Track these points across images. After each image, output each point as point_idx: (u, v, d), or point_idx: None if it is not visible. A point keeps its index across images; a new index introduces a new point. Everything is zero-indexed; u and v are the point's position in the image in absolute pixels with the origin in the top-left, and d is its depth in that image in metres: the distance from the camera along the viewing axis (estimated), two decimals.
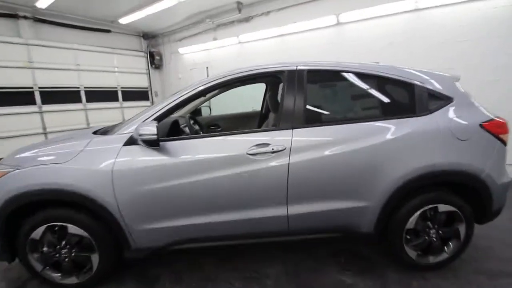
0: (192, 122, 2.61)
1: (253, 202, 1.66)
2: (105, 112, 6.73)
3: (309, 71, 1.75)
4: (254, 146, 1.62)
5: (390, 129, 1.67)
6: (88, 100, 6.44)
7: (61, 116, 6.06)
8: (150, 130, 1.48)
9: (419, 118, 1.71)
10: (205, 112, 3.29)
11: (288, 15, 5.13)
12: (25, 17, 5.57)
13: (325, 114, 1.82)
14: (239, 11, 5.47)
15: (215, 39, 6.26)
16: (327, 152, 1.62)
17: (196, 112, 3.17)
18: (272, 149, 1.60)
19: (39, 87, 5.65)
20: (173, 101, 1.71)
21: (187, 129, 2.33)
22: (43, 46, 5.70)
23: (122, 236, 1.65)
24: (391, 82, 1.78)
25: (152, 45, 7.74)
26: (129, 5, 5.49)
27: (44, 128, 5.83)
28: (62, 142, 1.76)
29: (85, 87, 6.36)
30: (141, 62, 7.60)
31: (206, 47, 6.49)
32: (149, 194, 1.59)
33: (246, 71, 1.77)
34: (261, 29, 5.46)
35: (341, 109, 1.88)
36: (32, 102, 5.59)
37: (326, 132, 1.66)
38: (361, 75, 1.79)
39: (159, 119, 1.67)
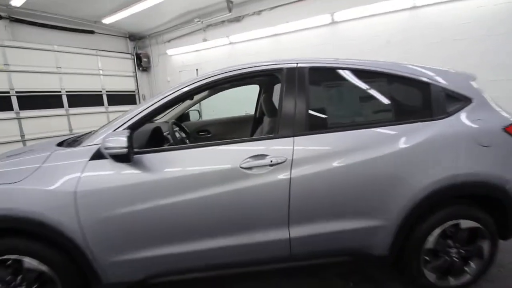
0: (176, 129, 2.30)
1: (248, 225, 1.40)
2: (89, 117, 6.37)
3: (312, 68, 1.50)
4: (249, 158, 1.36)
5: (406, 136, 1.44)
6: (70, 105, 6.08)
7: (41, 122, 5.68)
8: (119, 142, 1.20)
9: (436, 122, 1.49)
10: (194, 117, 3.02)
11: (281, 14, 4.93)
12: (0, 17, 5.21)
13: (331, 118, 1.57)
14: (230, 10, 5.24)
15: (204, 40, 6.01)
16: (335, 164, 1.37)
17: (184, 117, 2.90)
18: (271, 161, 1.35)
19: (16, 92, 5.27)
20: (152, 105, 1.43)
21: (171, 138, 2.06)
22: (20, 47, 5.33)
23: (89, 269, 1.36)
24: (405, 82, 1.55)
25: (139, 46, 7.44)
26: (112, 4, 5.19)
27: (22, 136, 5.46)
28: (17, 156, 1.47)
29: (67, 91, 5.98)
30: (128, 65, 7.26)
31: (196, 48, 6.23)
32: (122, 218, 1.31)
33: (238, 69, 1.51)
34: (253, 29, 5.25)
35: (349, 112, 1.64)
36: (9, 107, 5.20)
37: (333, 140, 1.42)
38: (371, 74, 1.55)
39: (134, 126, 1.39)
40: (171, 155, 1.38)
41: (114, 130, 1.35)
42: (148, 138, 1.57)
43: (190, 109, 2.87)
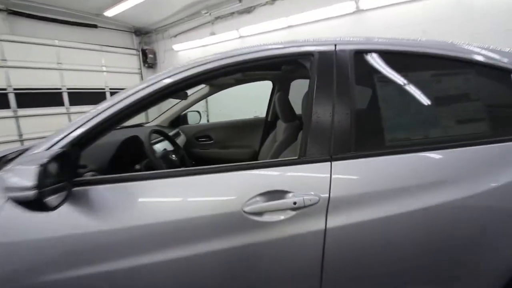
0: (158, 139, 1.68)
1: None
2: None
3: (359, 53, 0.96)
4: (258, 196, 0.85)
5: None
6: (71, 103, 5.81)
7: (41, 121, 5.43)
8: (24, 176, 0.69)
9: None
10: (193, 119, 2.53)
11: (296, 3, 4.41)
12: None
13: (391, 133, 0.98)
14: (240, 0, 4.77)
15: (212, 33, 5.56)
16: (399, 207, 0.84)
17: (181, 119, 2.42)
18: (294, 203, 0.83)
19: (14, 89, 5.01)
20: (114, 105, 0.93)
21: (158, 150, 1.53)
22: (18, 42, 5.06)
23: None
24: (502, 76, 0.99)
25: (145, 42, 7.09)
26: None
27: (20, 135, 5.22)
28: None
29: (68, 88, 5.73)
30: (133, 61, 6.95)
31: (203, 43, 5.79)
32: None
33: (245, 54, 0.98)
34: (265, 20, 4.73)
35: (420, 123, 1.04)
36: (6, 105, 4.94)
37: (396, 168, 0.88)
38: (454, 62, 0.98)
39: (85, 140, 0.90)
40: (136, 187, 0.88)
41: (48, 149, 0.87)
42: (113, 155, 1.09)
43: (188, 110, 2.39)
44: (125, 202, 0.85)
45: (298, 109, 1.90)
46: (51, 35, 5.47)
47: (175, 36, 6.38)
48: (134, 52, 6.93)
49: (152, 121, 2.31)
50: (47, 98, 5.47)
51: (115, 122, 0.93)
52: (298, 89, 2.08)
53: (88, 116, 0.92)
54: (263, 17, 4.78)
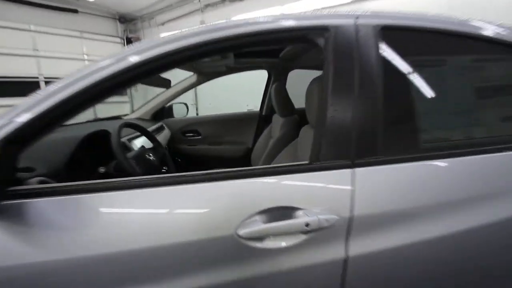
0: (131, 136, 1.42)
1: None
2: None
3: (388, 29, 0.74)
4: (257, 214, 0.64)
5: None
6: None
7: None
8: None
9: None
10: (180, 112, 2.29)
11: None
12: None
13: (430, 131, 0.77)
14: None
15: (202, 22, 5.31)
16: (443, 228, 0.65)
17: (165, 112, 2.18)
18: (306, 224, 0.63)
19: None
20: (66, 87, 0.67)
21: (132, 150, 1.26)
22: None
23: None
24: None
25: (130, 30, 6.73)
26: None
27: None
28: None
29: (45, 77, 5.40)
30: (117, 49, 6.57)
31: None
32: None
33: (240, 26, 0.74)
34: (258, 8, 4.50)
35: (465, 120, 0.82)
36: None
37: (437, 176, 0.69)
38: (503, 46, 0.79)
39: (23, 136, 0.66)
40: (93, 201, 0.64)
41: None
42: (73, 155, 0.85)
43: (173, 101, 2.15)
44: (77, 221, 0.63)
45: (296, 103, 1.72)
46: (25, 18, 5.08)
47: (163, 24, 6.08)
48: (118, 40, 6.61)
49: (132, 113, 2.06)
50: (22, 88, 5.11)
51: (73, 109, 0.69)
52: (297, 79, 1.89)
53: (32, 101, 0.67)
54: (257, 5, 4.56)
